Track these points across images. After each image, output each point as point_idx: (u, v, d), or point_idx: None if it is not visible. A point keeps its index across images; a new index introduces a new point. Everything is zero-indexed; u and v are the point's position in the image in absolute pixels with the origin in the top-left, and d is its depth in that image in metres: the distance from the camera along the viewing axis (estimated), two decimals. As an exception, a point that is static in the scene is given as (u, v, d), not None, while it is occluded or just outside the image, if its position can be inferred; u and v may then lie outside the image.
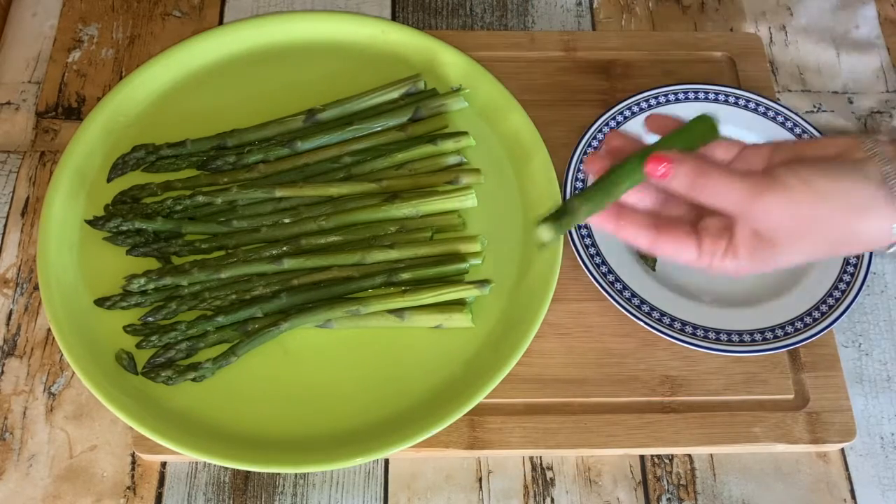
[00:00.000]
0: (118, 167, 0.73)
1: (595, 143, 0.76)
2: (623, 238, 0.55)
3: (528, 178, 0.74)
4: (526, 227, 0.73)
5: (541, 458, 0.67)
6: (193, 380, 0.65)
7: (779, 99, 0.83)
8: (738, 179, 0.52)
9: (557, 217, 0.54)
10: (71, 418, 0.67)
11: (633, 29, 0.88)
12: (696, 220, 0.56)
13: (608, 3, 0.89)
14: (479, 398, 0.64)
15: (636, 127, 0.77)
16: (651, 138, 0.56)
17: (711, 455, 0.67)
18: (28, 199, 0.76)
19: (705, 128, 0.56)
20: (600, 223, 0.55)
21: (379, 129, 0.76)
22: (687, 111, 0.77)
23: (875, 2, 0.90)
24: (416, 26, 0.86)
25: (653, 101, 0.78)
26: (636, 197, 0.56)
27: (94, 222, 0.71)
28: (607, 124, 0.77)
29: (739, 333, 0.68)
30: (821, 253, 0.54)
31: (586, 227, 0.72)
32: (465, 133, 0.75)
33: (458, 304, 0.68)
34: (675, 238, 0.54)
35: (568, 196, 0.73)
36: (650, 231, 0.54)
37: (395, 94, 0.77)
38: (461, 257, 0.70)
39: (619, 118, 0.77)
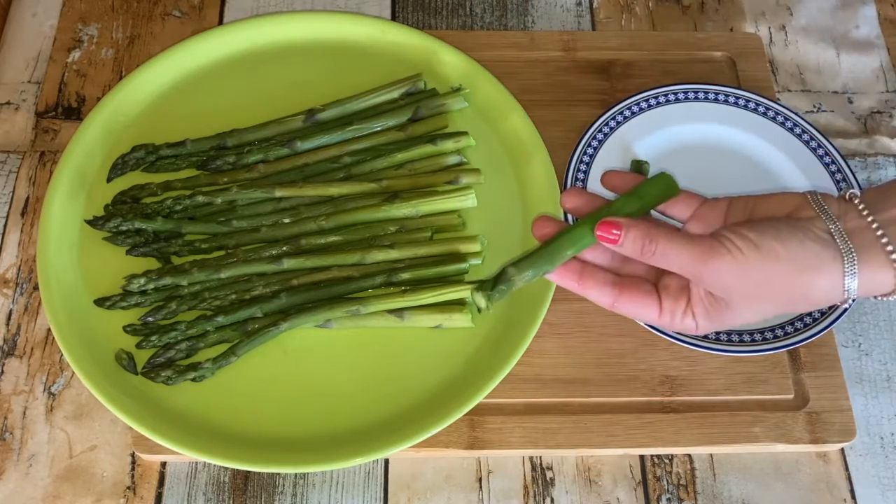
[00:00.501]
0: (118, 167, 0.73)
1: (595, 143, 0.76)
2: (585, 296, 0.56)
3: (527, 178, 0.74)
4: (526, 227, 0.73)
5: (541, 458, 0.67)
6: (193, 380, 0.65)
7: (779, 99, 0.83)
8: (687, 244, 0.52)
9: (494, 285, 0.54)
10: (71, 418, 0.67)
11: (633, 29, 0.88)
12: (658, 277, 0.57)
13: (608, 3, 0.89)
14: (479, 398, 0.64)
15: (635, 127, 0.77)
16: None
17: (711, 455, 0.67)
18: (28, 199, 0.76)
19: (664, 185, 0.57)
20: (562, 281, 0.56)
21: (379, 128, 0.76)
22: (687, 111, 0.78)
23: (875, 2, 0.90)
24: (416, 26, 0.86)
25: (652, 101, 0.78)
26: (596, 254, 0.57)
27: (94, 222, 0.71)
28: (607, 124, 0.76)
29: (739, 333, 0.68)
30: (776, 311, 0.55)
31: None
32: (465, 133, 0.75)
33: (458, 304, 0.68)
34: (637, 298, 0.55)
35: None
36: (613, 290, 0.55)
37: (395, 94, 0.77)
38: (461, 257, 0.70)
39: (619, 118, 0.77)
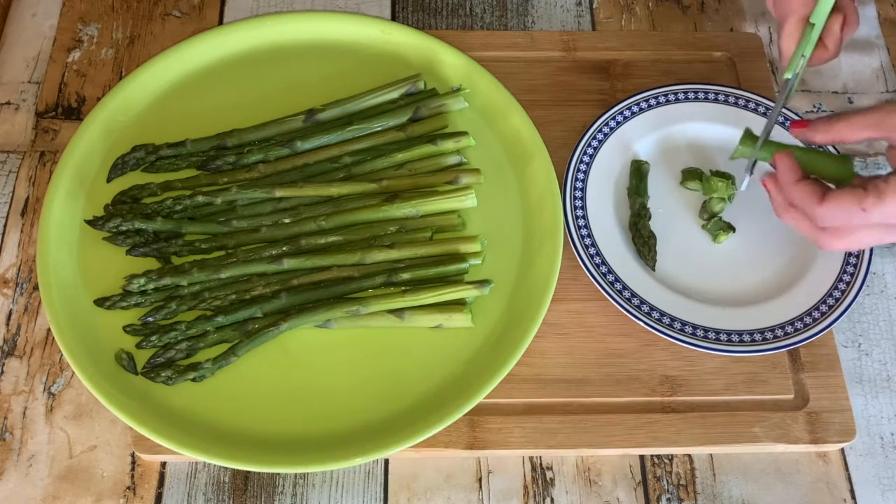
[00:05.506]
0: (118, 167, 0.73)
1: (595, 143, 0.76)
2: (795, 192, 0.60)
3: (527, 178, 0.74)
4: (526, 227, 0.73)
5: (540, 458, 0.67)
6: (193, 380, 0.65)
7: (779, 99, 0.83)
8: (866, 110, 0.59)
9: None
10: (71, 418, 0.67)
11: (633, 29, 0.88)
12: None
13: (608, 3, 0.89)
14: (479, 398, 0.64)
15: (635, 127, 0.77)
16: None
17: (711, 455, 0.67)
18: (28, 199, 0.76)
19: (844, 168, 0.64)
20: (785, 171, 0.62)
21: (379, 129, 0.76)
22: (687, 111, 0.78)
23: (875, 2, 0.90)
24: (416, 26, 0.86)
25: (653, 101, 0.78)
26: None
27: (93, 222, 0.71)
28: (607, 124, 0.76)
29: (739, 333, 0.68)
30: None
31: (586, 226, 0.72)
32: (465, 133, 0.75)
33: (458, 304, 0.68)
34: (844, 189, 0.58)
35: (569, 193, 0.73)
36: (823, 188, 0.60)
37: (394, 94, 0.77)
38: (461, 257, 0.70)
39: (619, 118, 0.77)
